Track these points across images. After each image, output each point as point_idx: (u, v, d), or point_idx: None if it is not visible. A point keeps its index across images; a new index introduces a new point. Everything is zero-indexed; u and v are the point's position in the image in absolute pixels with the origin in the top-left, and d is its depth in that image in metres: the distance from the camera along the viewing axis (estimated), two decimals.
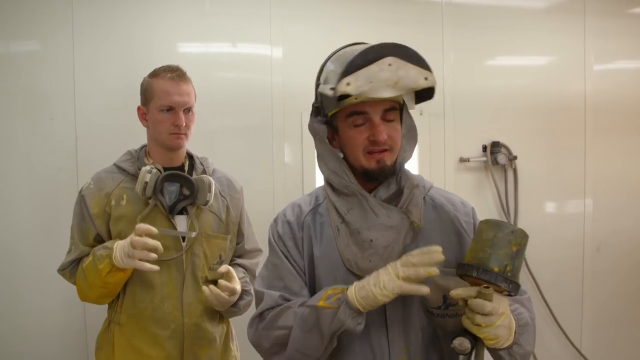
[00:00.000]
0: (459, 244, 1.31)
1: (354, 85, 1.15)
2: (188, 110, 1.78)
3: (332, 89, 1.18)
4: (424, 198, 1.34)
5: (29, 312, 2.29)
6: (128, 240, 1.61)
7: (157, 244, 1.59)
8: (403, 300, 1.27)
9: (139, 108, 1.82)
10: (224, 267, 1.75)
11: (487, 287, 1.09)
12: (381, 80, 1.15)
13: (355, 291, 1.16)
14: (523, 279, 2.99)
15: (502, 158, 2.94)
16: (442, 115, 2.87)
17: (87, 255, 1.76)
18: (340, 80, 1.15)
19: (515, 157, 2.99)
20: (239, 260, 1.98)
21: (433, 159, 2.84)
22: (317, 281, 1.32)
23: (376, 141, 1.22)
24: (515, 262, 1.10)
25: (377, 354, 1.27)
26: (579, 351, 3.14)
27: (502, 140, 2.98)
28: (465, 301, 1.12)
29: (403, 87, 1.17)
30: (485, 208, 2.98)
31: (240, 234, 1.98)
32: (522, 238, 1.11)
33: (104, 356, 1.82)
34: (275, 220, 1.41)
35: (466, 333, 1.13)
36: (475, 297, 1.09)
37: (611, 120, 3.18)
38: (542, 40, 3.06)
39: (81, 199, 1.78)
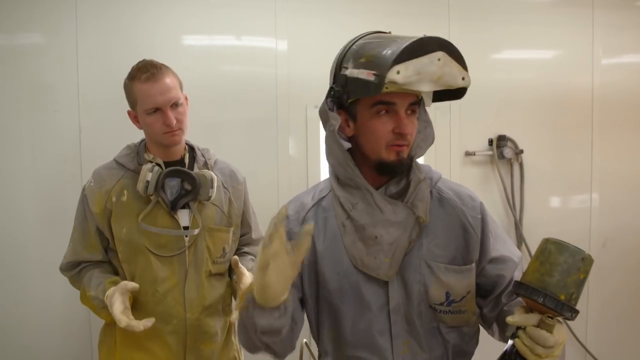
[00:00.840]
0: (464, 239, 1.29)
1: (403, 74, 1.11)
2: (175, 105, 1.71)
3: (376, 75, 1.13)
4: (430, 191, 1.31)
5: (33, 304, 2.29)
6: (122, 319, 1.58)
7: (146, 325, 1.60)
8: (406, 295, 1.27)
9: (129, 112, 1.78)
10: (233, 259, 1.75)
11: (551, 317, 1.03)
12: (428, 74, 1.13)
13: (254, 289, 1.15)
14: None
15: (508, 152, 2.92)
16: (448, 108, 2.85)
17: (89, 264, 1.78)
18: (391, 68, 1.10)
19: (522, 151, 2.97)
20: (246, 249, 1.98)
21: (439, 153, 2.84)
22: (321, 276, 1.32)
23: (402, 134, 1.20)
24: (581, 290, 1.05)
25: (380, 348, 1.27)
26: (584, 347, 3.13)
27: (508, 134, 2.96)
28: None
29: (443, 84, 1.16)
30: (491, 202, 2.96)
31: (246, 225, 1.97)
32: (589, 265, 1.05)
33: (106, 350, 1.82)
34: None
35: (518, 356, 1.06)
36: (536, 326, 1.04)
37: (618, 115, 3.15)
38: (549, 34, 3.03)
39: (84, 198, 1.77)
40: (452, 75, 1.16)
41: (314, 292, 1.34)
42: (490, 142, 2.96)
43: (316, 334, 1.38)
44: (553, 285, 1.03)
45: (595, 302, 3.16)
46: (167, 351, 1.76)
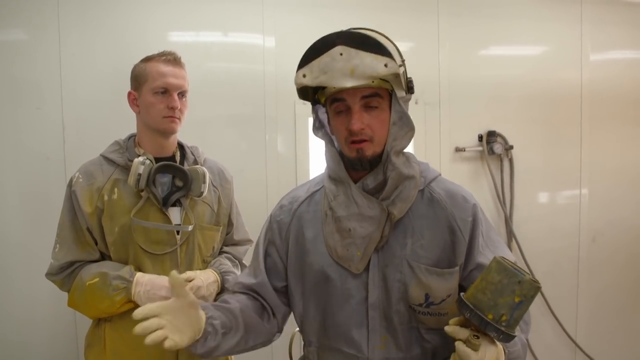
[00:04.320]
0: (451, 242, 1.28)
1: (309, 76, 1.16)
2: (182, 95, 1.75)
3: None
4: (422, 190, 1.31)
5: (18, 303, 2.25)
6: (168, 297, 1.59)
7: None
8: (385, 292, 1.27)
9: (129, 93, 1.77)
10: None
11: (477, 336, 1.05)
12: (335, 70, 1.14)
13: None
14: None
15: (498, 148, 2.92)
16: (437, 104, 2.85)
17: (83, 263, 1.72)
18: (297, 73, 1.16)
19: (512, 147, 2.97)
20: (225, 249, 1.97)
21: (429, 149, 2.82)
22: (308, 267, 1.34)
23: (351, 131, 1.20)
24: (515, 313, 1.03)
25: (357, 342, 1.28)
26: (574, 341, 3.14)
27: (498, 129, 2.95)
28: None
29: (363, 75, 1.14)
30: (481, 198, 2.95)
31: (229, 224, 1.95)
32: (529, 290, 1.03)
33: (94, 354, 1.77)
34: (276, 204, 1.46)
35: None
36: (464, 341, 1.06)
37: (607, 110, 3.17)
38: (538, 29, 3.03)
39: (72, 195, 1.71)
40: (366, 65, 1.14)
41: (299, 283, 1.37)
42: (480, 137, 2.95)
43: (301, 324, 1.40)
44: (483, 303, 1.04)
45: (585, 297, 3.17)
46: (159, 353, 1.71)
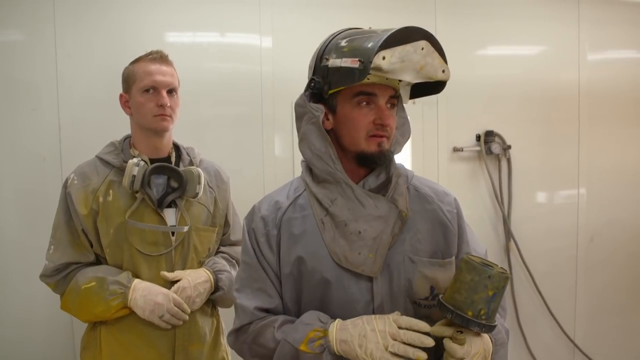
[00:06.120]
0: (443, 234, 1.30)
1: (388, 61, 1.13)
2: (172, 91, 1.74)
3: (361, 61, 1.13)
4: (407, 187, 1.33)
5: (14, 305, 2.24)
6: (163, 303, 1.63)
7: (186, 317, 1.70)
8: (390, 291, 1.26)
9: (121, 96, 1.77)
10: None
11: (461, 332, 1.11)
12: (411, 62, 1.15)
13: (336, 343, 1.16)
14: (516, 269, 2.99)
15: (496, 147, 2.92)
16: (435, 104, 2.84)
17: (79, 265, 1.71)
18: (377, 53, 1.11)
19: (509, 147, 2.97)
20: (222, 249, 1.96)
21: (426, 149, 2.81)
22: (306, 276, 1.28)
23: (383, 125, 1.21)
24: (491, 305, 1.11)
25: None
26: (572, 341, 3.14)
27: (496, 129, 2.95)
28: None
29: (425, 75, 1.19)
30: (479, 198, 2.96)
31: (226, 225, 1.95)
32: (499, 282, 1.10)
33: (90, 357, 1.76)
34: (251, 214, 1.37)
35: None
36: (450, 338, 1.11)
37: (605, 110, 3.17)
38: (536, 29, 3.03)
39: (67, 196, 1.71)
40: (433, 66, 1.18)
41: (294, 292, 1.30)
42: (478, 137, 2.95)
43: None
44: (461, 302, 1.11)
45: (584, 296, 3.18)
46: (155, 354, 1.71)
